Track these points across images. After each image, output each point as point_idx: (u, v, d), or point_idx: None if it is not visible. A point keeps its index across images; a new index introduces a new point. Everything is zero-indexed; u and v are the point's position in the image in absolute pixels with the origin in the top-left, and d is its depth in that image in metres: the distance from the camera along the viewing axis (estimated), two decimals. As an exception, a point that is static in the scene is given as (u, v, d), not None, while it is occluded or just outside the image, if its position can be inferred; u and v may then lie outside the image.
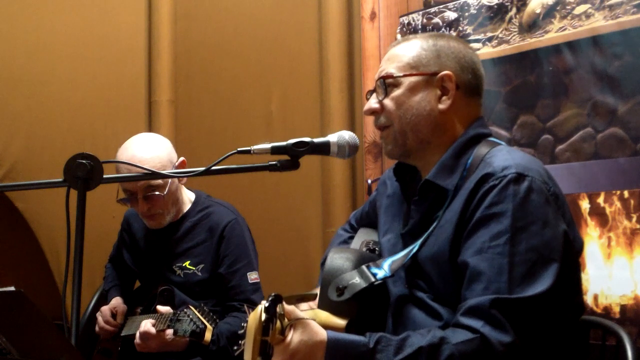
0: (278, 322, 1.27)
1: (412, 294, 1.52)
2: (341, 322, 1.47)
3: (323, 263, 1.87)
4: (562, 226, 1.39)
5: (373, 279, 1.50)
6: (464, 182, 1.46)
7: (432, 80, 1.54)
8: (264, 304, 1.25)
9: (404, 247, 1.56)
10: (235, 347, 1.34)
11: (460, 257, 1.40)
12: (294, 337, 1.30)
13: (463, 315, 1.33)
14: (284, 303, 1.29)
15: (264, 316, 1.24)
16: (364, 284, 1.49)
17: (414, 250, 1.49)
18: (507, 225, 1.35)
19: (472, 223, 1.39)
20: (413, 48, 1.58)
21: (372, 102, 1.60)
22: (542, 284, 1.31)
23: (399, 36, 2.79)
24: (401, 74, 1.55)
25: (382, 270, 1.53)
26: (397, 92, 1.55)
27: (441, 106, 1.53)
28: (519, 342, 1.27)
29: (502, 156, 1.45)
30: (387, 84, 1.56)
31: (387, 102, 1.56)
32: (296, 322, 1.30)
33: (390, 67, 1.57)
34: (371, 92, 1.63)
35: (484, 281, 1.33)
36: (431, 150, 1.56)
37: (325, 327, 1.41)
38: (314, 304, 1.60)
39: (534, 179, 1.39)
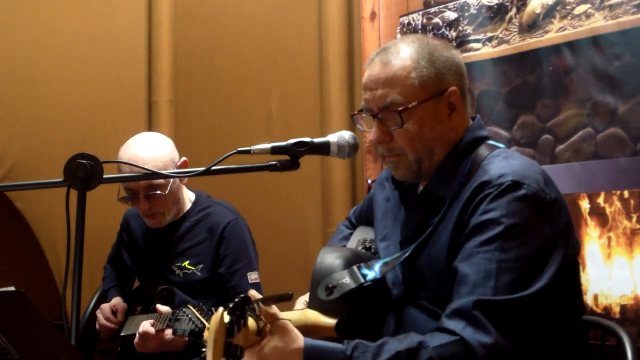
0: (254, 322, 1.24)
1: (412, 298, 1.52)
2: (330, 321, 1.47)
3: None
4: (554, 237, 1.38)
5: (363, 280, 1.50)
6: (461, 190, 1.45)
7: (440, 100, 1.50)
8: (229, 305, 1.20)
9: None
10: (203, 350, 1.29)
11: (453, 263, 1.39)
12: (269, 342, 1.27)
13: (446, 317, 1.32)
14: (260, 304, 1.26)
15: (227, 318, 1.19)
16: (353, 285, 1.49)
17: (407, 254, 1.49)
18: (498, 232, 1.34)
19: (466, 230, 1.39)
20: (411, 65, 1.48)
21: (380, 133, 1.50)
22: (528, 290, 1.30)
23: (398, 36, 2.79)
24: (414, 103, 1.46)
25: (373, 271, 1.53)
26: (410, 124, 1.47)
27: (452, 124, 1.51)
28: (501, 343, 1.26)
29: (499, 163, 1.44)
30: (401, 115, 1.46)
31: (400, 133, 1.48)
32: (274, 326, 1.27)
33: (393, 93, 1.47)
34: (362, 112, 1.54)
35: (469, 284, 1.32)
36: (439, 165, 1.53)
37: (315, 326, 1.41)
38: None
39: (530, 186, 1.38)
